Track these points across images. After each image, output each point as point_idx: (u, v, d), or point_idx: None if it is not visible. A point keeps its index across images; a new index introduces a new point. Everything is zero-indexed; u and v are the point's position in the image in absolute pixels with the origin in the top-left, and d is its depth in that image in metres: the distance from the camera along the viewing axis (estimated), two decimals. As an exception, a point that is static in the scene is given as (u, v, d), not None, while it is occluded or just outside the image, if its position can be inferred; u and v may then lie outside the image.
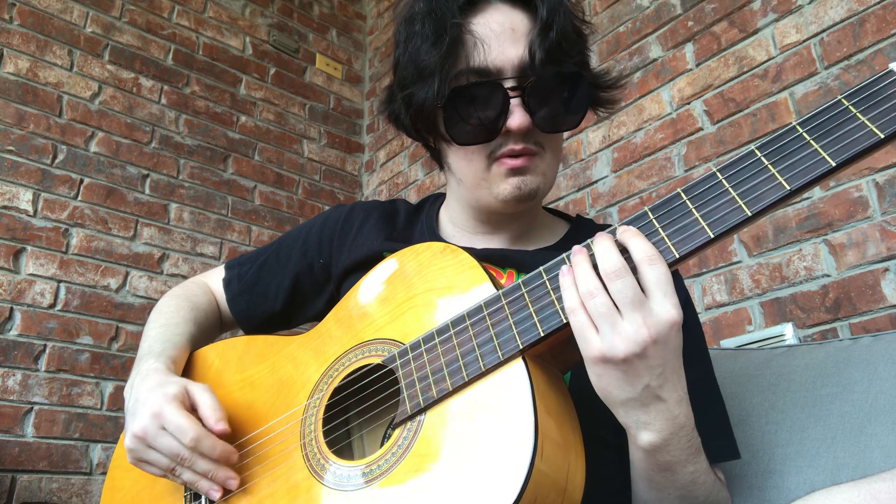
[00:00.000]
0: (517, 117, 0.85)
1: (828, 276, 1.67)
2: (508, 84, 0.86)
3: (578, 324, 0.63)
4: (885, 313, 1.55)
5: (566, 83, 0.88)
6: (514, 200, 0.90)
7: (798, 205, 1.77)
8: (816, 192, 1.74)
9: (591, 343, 0.62)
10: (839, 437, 0.94)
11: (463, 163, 0.94)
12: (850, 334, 1.61)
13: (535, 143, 0.89)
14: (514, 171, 0.89)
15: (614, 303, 0.62)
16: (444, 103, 0.88)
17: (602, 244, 0.65)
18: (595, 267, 0.64)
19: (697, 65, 2.12)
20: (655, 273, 0.61)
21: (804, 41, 1.84)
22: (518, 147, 0.88)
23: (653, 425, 0.65)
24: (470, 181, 0.94)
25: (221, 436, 0.80)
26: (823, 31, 1.81)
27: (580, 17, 0.93)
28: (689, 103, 2.11)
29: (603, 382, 0.64)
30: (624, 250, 0.64)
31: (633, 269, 0.63)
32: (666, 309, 0.61)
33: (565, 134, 1.08)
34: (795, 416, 1.01)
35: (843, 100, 0.58)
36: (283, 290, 1.11)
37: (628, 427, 0.67)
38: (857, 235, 1.64)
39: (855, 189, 1.66)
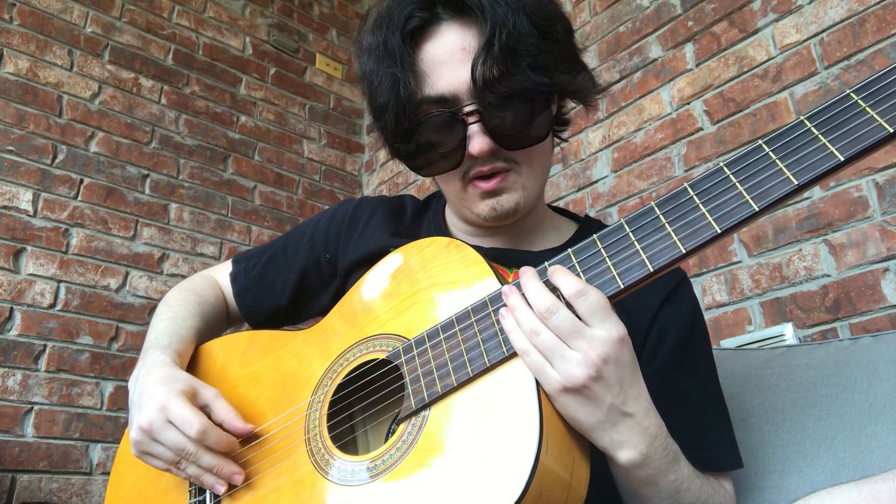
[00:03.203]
0: (476, 143, 0.83)
1: (828, 276, 1.67)
2: (467, 109, 0.83)
3: (534, 363, 0.64)
4: (885, 313, 1.55)
5: (524, 97, 0.82)
6: (493, 220, 0.90)
7: (798, 205, 1.77)
8: (816, 192, 1.74)
9: (550, 377, 0.63)
10: (839, 437, 0.94)
11: (443, 184, 0.94)
12: (850, 334, 1.61)
13: (506, 160, 0.86)
14: (488, 194, 0.88)
15: (558, 336, 0.64)
16: (400, 140, 0.87)
17: (530, 286, 0.66)
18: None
19: (697, 65, 2.12)
20: (587, 305, 0.63)
21: (804, 41, 1.85)
22: (486, 168, 0.86)
23: (628, 442, 0.65)
24: (452, 199, 0.95)
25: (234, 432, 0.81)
26: (823, 31, 1.81)
27: (545, 12, 0.85)
28: (689, 103, 2.11)
29: (570, 412, 0.64)
30: (555, 287, 0.66)
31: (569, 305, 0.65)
32: (606, 330, 0.63)
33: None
34: (795, 416, 1.01)
35: (851, 94, 0.58)
36: (289, 285, 1.10)
37: (606, 449, 0.67)
38: (857, 235, 1.64)
39: (855, 189, 1.66)
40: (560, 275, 0.66)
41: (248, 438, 0.84)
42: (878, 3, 1.70)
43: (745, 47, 1.99)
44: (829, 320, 1.65)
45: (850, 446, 0.92)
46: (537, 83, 0.82)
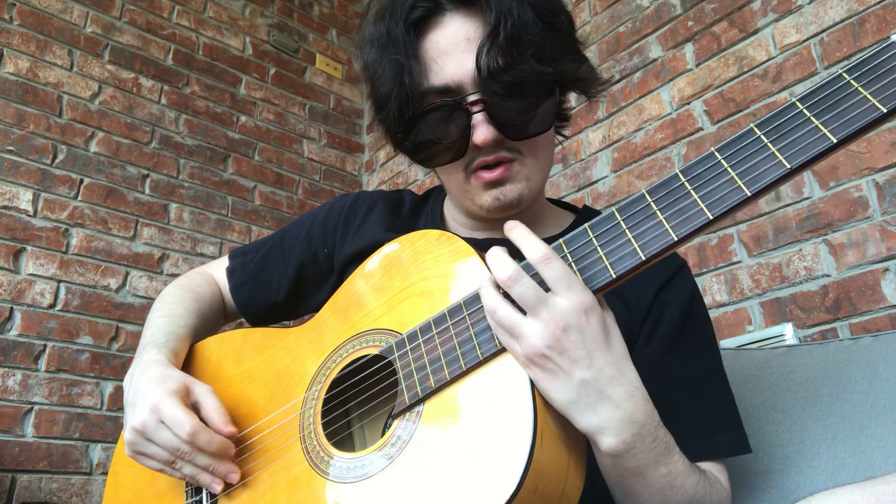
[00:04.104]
0: (480, 132, 0.82)
1: (828, 276, 1.67)
2: (471, 98, 0.82)
3: (503, 338, 0.64)
4: (885, 313, 1.55)
5: (528, 86, 0.82)
6: (496, 210, 0.89)
7: (798, 205, 1.77)
8: (816, 192, 1.74)
9: (515, 350, 0.63)
10: (839, 436, 0.94)
11: (444, 175, 0.93)
12: (850, 334, 1.61)
13: (510, 150, 0.86)
14: (492, 184, 0.87)
15: (520, 309, 0.62)
16: (403, 131, 0.86)
17: (493, 255, 0.65)
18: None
19: (697, 65, 2.12)
20: (553, 271, 0.62)
21: (804, 41, 1.85)
22: (490, 158, 0.85)
23: (610, 428, 0.62)
24: (454, 192, 0.94)
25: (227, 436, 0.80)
26: (823, 31, 1.81)
27: (549, 3, 0.85)
28: (689, 103, 2.11)
29: (542, 386, 0.63)
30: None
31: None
32: (569, 298, 0.61)
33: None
34: (795, 416, 1.01)
35: (843, 74, 0.57)
36: (286, 280, 1.09)
37: (587, 433, 0.64)
38: (857, 235, 1.64)
39: (855, 189, 1.66)
40: (523, 236, 0.64)
41: (243, 437, 0.84)
42: (878, 3, 1.70)
43: (745, 47, 1.99)
44: (829, 320, 1.65)
45: (850, 446, 0.92)
46: (542, 73, 0.82)
